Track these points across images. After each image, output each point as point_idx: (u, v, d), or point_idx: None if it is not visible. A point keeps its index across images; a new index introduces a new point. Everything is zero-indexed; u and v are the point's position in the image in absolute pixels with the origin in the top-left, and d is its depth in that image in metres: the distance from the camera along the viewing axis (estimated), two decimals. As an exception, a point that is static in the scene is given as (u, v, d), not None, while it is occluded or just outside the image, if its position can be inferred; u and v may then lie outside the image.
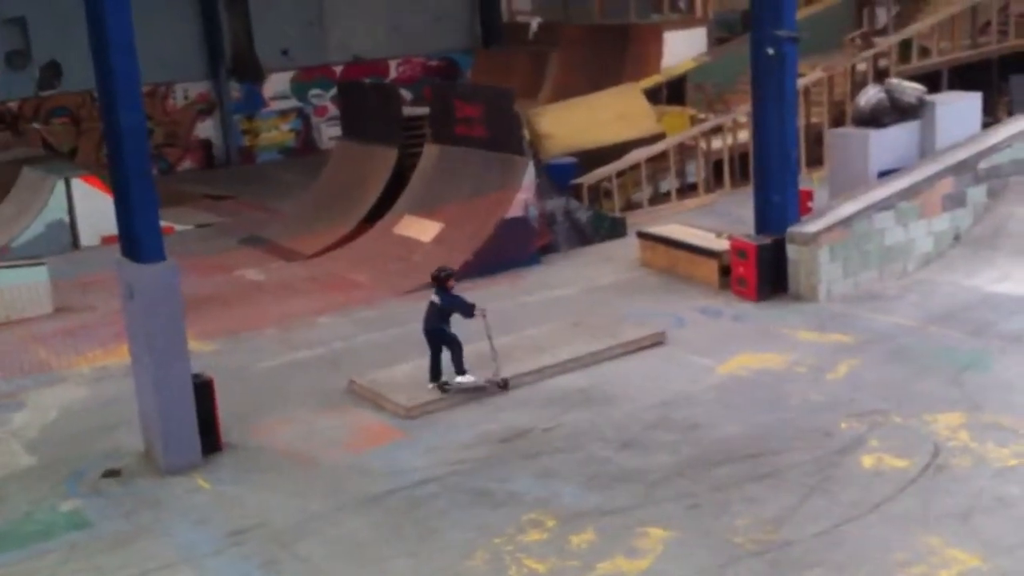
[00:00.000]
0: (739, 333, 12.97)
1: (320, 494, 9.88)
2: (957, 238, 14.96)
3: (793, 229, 14.07)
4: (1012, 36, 21.63)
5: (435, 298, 11.69)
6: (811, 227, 14.05)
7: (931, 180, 14.84)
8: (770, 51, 13.89)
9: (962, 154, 15.32)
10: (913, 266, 14.52)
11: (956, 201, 14.99)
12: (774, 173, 14.35)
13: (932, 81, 19.06)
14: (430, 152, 18.17)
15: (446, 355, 11.65)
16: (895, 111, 16.10)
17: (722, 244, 14.68)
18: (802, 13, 19.91)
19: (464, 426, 11.06)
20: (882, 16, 23.80)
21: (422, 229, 16.96)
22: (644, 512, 9.09)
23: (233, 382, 12.11)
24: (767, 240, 14.06)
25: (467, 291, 15.13)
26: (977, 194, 15.22)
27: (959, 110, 16.37)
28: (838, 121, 19.07)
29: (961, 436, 9.88)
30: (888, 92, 16.25)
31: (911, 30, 21.16)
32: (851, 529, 8.59)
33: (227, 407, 11.10)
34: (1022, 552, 8.06)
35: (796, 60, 14.29)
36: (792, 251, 13.99)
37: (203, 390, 10.72)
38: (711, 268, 14.61)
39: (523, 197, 16.27)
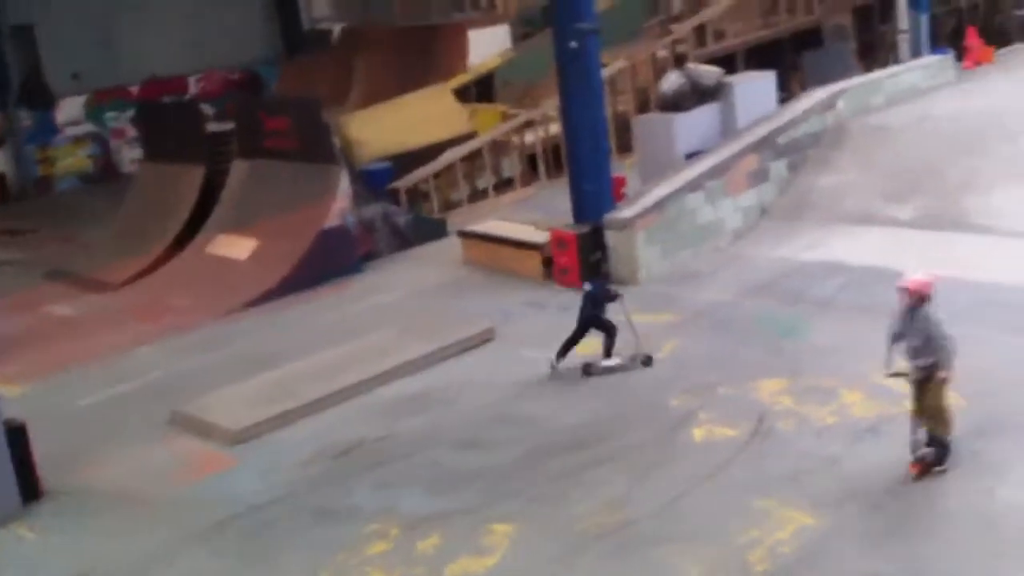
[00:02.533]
0: (567, 322, 13.05)
1: (155, 532, 9.46)
2: (764, 212, 15.52)
3: (609, 216, 14.32)
4: (801, 14, 22.60)
5: (587, 285, 11.88)
6: (626, 213, 14.33)
7: (735, 158, 15.36)
8: (573, 44, 14.09)
9: (762, 131, 15.91)
10: (726, 242, 14.98)
11: (760, 177, 15.55)
12: (587, 163, 14.58)
13: (729, 63, 19.74)
14: (239, 168, 17.70)
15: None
16: (696, 94, 16.59)
17: (542, 236, 14.81)
18: (601, 4, 20.33)
19: (296, 444, 10.79)
20: (677, 3, 24.52)
21: (237, 247, 16.49)
22: (489, 509, 9.06)
23: (50, 424, 11.45)
24: (586, 229, 14.27)
25: (290, 305, 14.92)
26: (779, 168, 15.83)
27: (756, 89, 17.00)
28: (644, 108, 19.52)
29: (784, 401, 10.23)
30: (688, 76, 16.73)
31: (706, 15, 21.86)
32: (689, 501, 8.79)
33: (46, 451, 10.50)
34: (849, 506, 8.39)
35: (599, 51, 14.56)
36: (610, 237, 14.24)
37: (16, 435, 10.10)
38: (534, 261, 14.73)
39: (340, 206, 16.02)
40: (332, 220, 15.98)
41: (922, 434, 8.64)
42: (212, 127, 19.29)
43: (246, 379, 11.61)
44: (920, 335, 8.41)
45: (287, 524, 9.29)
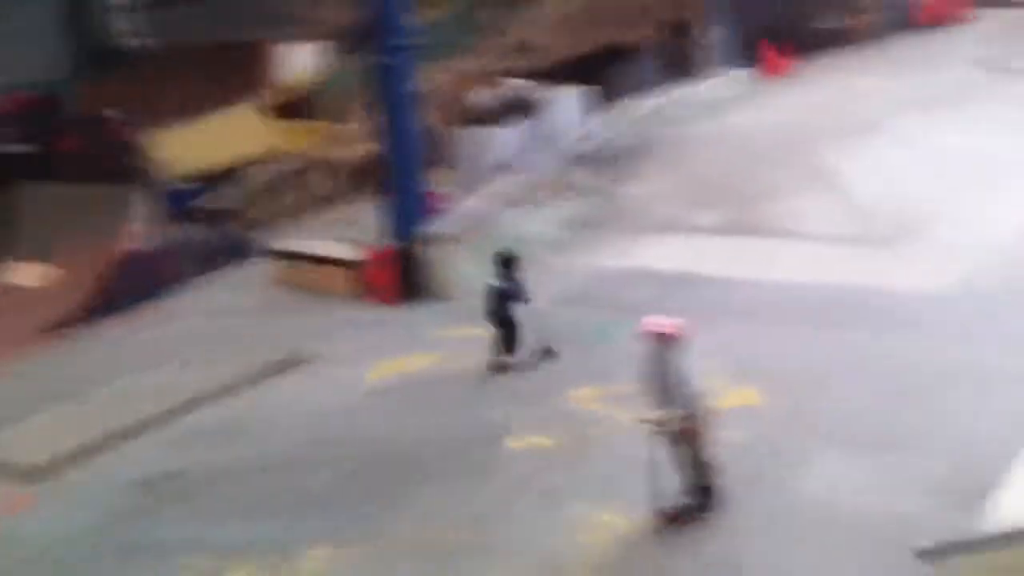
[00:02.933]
0: (383, 339, 12.94)
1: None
2: (579, 222, 15.74)
3: (427, 231, 14.25)
4: (611, 30, 23.03)
5: (495, 282, 11.61)
6: (444, 228, 14.30)
7: (550, 171, 15.58)
8: (388, 59, 13.98)
9: (576, 144, 16.20)
10: (542, 253, 15.08)
11: (574, 188, 15.80)
12: (403, 178, 14.48)
13: (544, 77, 19.95)
14: (32, 192, 16.79)
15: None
16: (512, 109, 16.77)
17: (357, 253, 14.60)
18: (417, 19, 20.24)
19: (102, 479, 10.26)
20: (493, 18, 24.64)
21: (29, 274, 15.62)
22: (304, 534, 8.81)
23: None
24: (402, 245, 14.15)
25: (89, 334, 14.22)
26: (593, 180, 16.11)
27: (570, 103, 17.33)
28: (460, 122, 19.51)
29: (598, 407, 10.33)
30: (504, 91, 16.87)
31: (522, 30, 22.06)
32: (507, 512, 8.77)
33: None
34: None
35: (414, 66, 14.49)
36: (428, 253, 14.16)
37: None
38: (348, 279, 14.49)
39: (140, 228, 15.38)
40: (132, 243, 15.32)
41: (675, 481, 8.12)
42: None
43: (41, 412, 10.99)
44: (664, 382, 7.90)
45: (93, 564, 8.82)
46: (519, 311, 11.70)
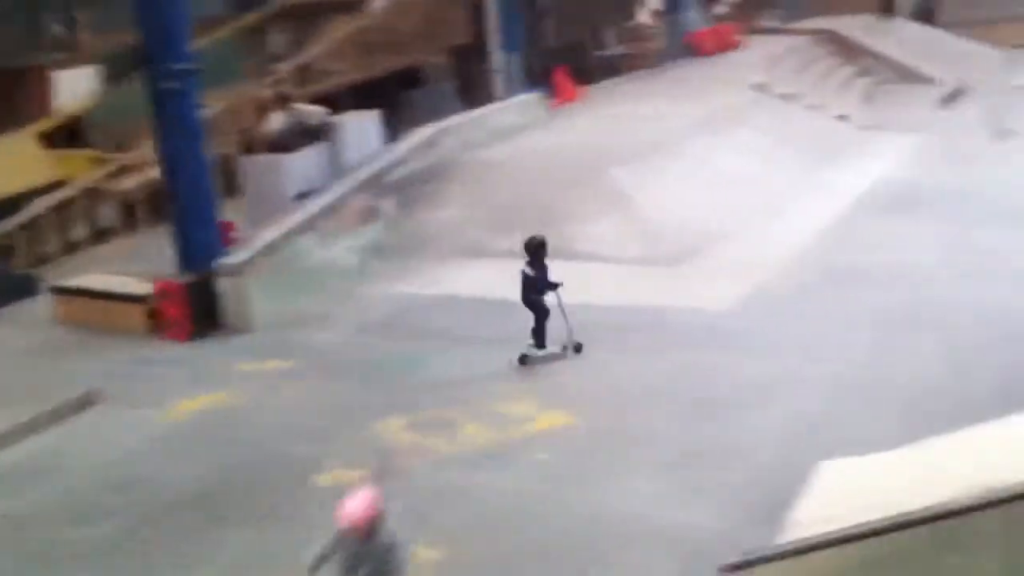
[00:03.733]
0: (178, 377, 12.37)
1: None
2: (378, 250, 15.57)
3: (219, 262, 13.78)
4: (402, 54, 23.05)
5: (527, 269, 11.48)
6: (237, 258, 13.86)
7: (345, 198, 15.34)
8: (168, 85, 13.45)
9: (371, 169, 16.03)
10: (341, 282, 14.85)
11: (372, 215, 15.63)
12: (191, 208, 13.95)
13: (334, 102, 19.72)
14: None
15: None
16: (302, 134, 16.43)
17: (146, 287, 13.94)
18: (198, 44, 19.63)
19: None
20: (278, 43, 24.24)
21: None
22: (97, 587, 8.28)
23: None
24: (194, 278, 13.62)
25: None
26: (390, 206, 15.97)
27: (362, 128, 17.10)
28: (249, 149, 19.02)
29: (407, 437, 10.18)
30: (293, 117, 16.53)
31: (307, 55, 21.77)
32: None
33: None
34: (474, 535, 8.43)
35: (197, 91, 13.99)
36: (221, 285, 13.68)
37: None
38: (138, 314, 13.81)
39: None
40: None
41: None
42: None
43: None
44: (370, 566, 6.75)
45: None
46: (548, 299, 11.65)
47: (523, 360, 11.65)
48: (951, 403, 9.39)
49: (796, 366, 10.81)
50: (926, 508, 4.91)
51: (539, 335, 11.67)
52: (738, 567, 6.15)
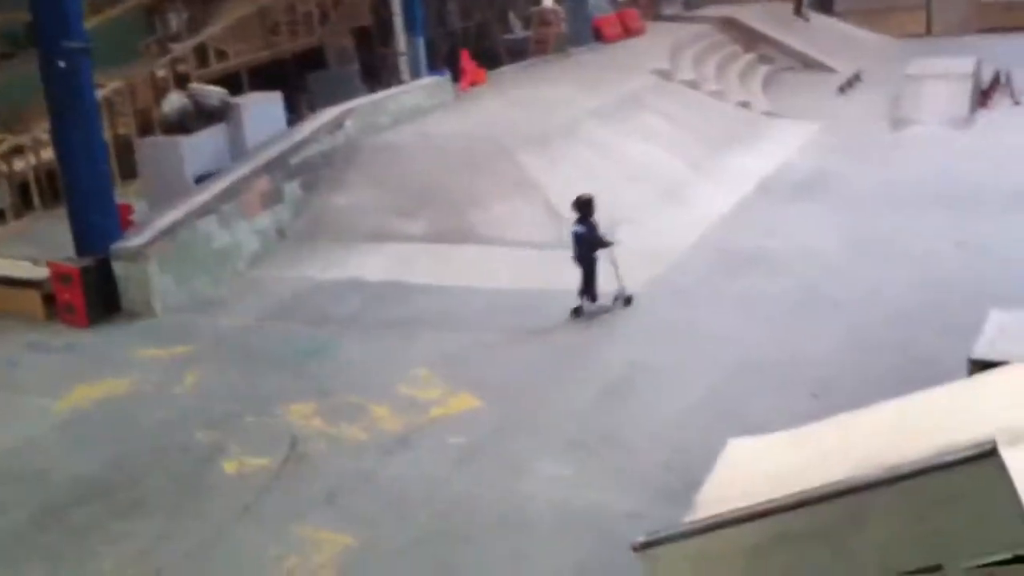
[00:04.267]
0: (75, 364, 12.04)
1: None
2: (281, 233, 15.35)
3: (117, 246, 13.43)
4: (302, 35, 22.72)
5: (578, 227, 11.80)
6: (136, 241, 13.51)
7: (247, 180, 15.06)
8: (61, 63, 13.03)
9: (273, 152, 15.75)
10: (244, 266, 14.61)
11: (274, 198, 15.37)
12: (87, 191, 13.56)
13: (233, 83, 19.36)
14: None
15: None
16: (201, 116, 16.07)
17: (42, 272, 13.52)
18: (91, 22, 19.08)
19: None
20: (174, 22, 23.67)
21: None
22: (-6, 582, 8.03)
23: None
24: (91, 261, 13.26)
25: None
26: (293, 189, 15.75)
27: (264, 110, 16.80)
28: (146, 130, 18.56)
29: (315, 423, 10.07)
30: (191, 97, 16.16)
31: (205, 34, 21.29)
32: (225, 538, 8.34)
33: None
34: (386, 520, 8.39)
35: (91, 71, 13.59)
36: (119, 268, 13.34)
37: None
38: (33, 299, 13.37)
39: None
40: None
41: None
42: None
43: None
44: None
45: None
46: (600, 254, 11.93)
47: (577, 312, 11.98)
48: (852, 381, 9.65)
49: (698, 349, 10.98)
50: (829, 484, 5.02)
51: (590, 289, 12.05)
52: (648, 545, 6.22)
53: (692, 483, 6.97)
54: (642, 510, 7.98)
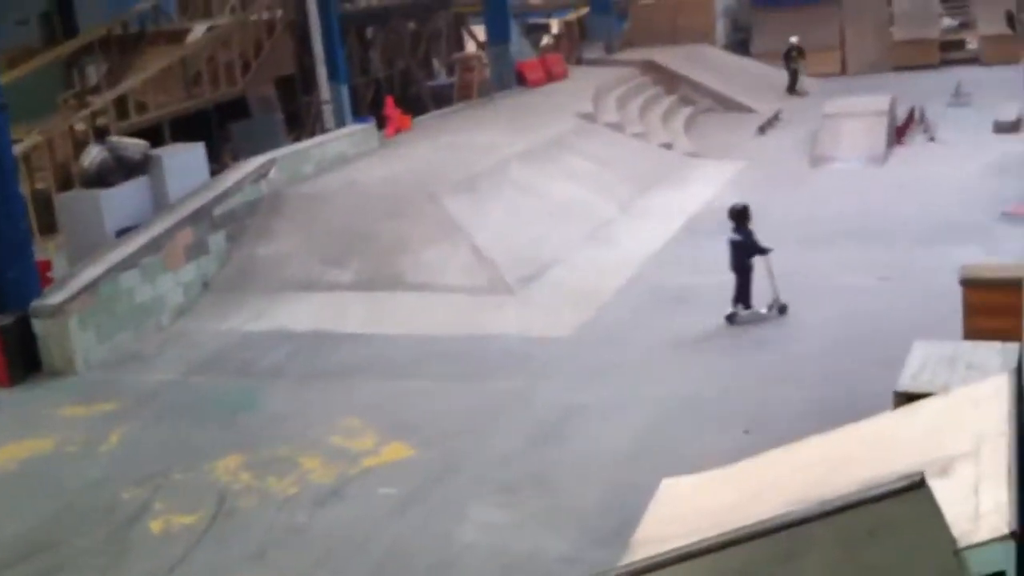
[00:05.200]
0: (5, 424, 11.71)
1: None
2: (206, 285, 15.12)
3: (36, 303, 13.13)
4: (224, 84, 22.59)
5: (735, 236, 12.10)
6: (55, 298, 13.21)
7: (170, 232, 14.83)
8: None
9: (196, 203, 15.53)
10: (168, 319, 14.36)
11: (199, 249, 15.15)
12: (5, 247, 13.33)
13: (154, 135, 19.13)
14: None
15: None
16: (122, 169, 15.80)
17: (-43, 331, 13.15)
18: (8, 76, 18.80)
19: None
20: (93, 75, 23.40)
21: None
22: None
23: None
24: (9, 319, 12.95)
25: None
26: (217, 240, 15.54)
27: (186, 161, 16.57)
28: (66, 184, 18.23)
29: (243, 477, 9.87)
30: (111, 150, 15.90)
31: (125, 86, 21.05)
32: (151, 603, 8.10)
33: None
34: (319, 573, 8.22)
35: (8, 126, 13.40)
36: (39, 326, 13.03)
37: None
38: (-52, 360, 13.01)
39: None
40: None
41: None
42: None
43: None
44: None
45: None
46: (755, 262, 12.23)
47: (731, 319, 12.15)
48: (783, 416, 9.71)
49: (631, 389, 10.98)
50: (762, 521, 5.02)
51: (745, 296, 12.23)
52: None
53: (627, 524, 6.95)
54: (578, 554, 7.92)
